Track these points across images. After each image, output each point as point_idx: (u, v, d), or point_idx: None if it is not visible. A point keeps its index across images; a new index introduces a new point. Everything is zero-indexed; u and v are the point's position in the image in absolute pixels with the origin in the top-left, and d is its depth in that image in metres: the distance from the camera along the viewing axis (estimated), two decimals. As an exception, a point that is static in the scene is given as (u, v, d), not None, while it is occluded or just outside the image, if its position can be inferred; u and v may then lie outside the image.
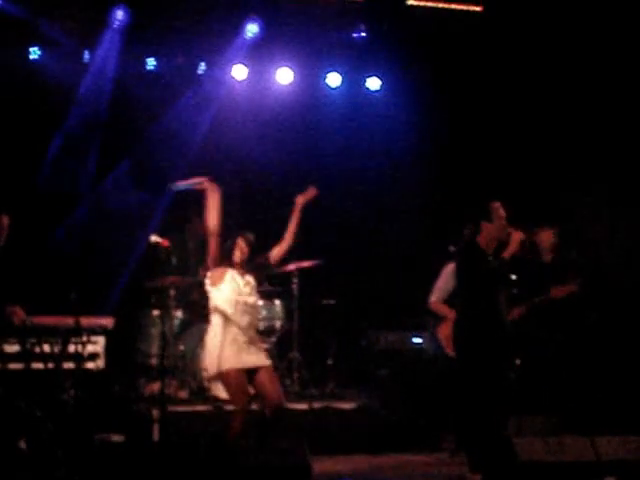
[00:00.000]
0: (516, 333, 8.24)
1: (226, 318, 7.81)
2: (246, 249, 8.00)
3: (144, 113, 11.43)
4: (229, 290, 7.84)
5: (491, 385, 7.67)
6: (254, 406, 9.67)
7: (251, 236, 8.03)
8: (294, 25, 11.55)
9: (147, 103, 11.38)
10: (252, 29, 11.58)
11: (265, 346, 8.24)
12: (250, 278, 7.98)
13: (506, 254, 7.89)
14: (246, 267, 7.98)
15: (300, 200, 8.18)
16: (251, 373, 7.71)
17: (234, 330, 7.76)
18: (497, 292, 7.90)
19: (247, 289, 7.91)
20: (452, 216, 10.92)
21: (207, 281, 7.89)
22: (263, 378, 7.74)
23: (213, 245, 7.82)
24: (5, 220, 8.47)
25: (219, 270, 7.87)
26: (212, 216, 7.80)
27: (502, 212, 7.98)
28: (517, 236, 7.94)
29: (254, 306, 7.99)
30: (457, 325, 8.09)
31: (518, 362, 8.68)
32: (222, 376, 7.68)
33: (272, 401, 7.67)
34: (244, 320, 7.81)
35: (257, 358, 7.76)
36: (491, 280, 7.87)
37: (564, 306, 9.24)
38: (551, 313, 9.24)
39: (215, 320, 7.84)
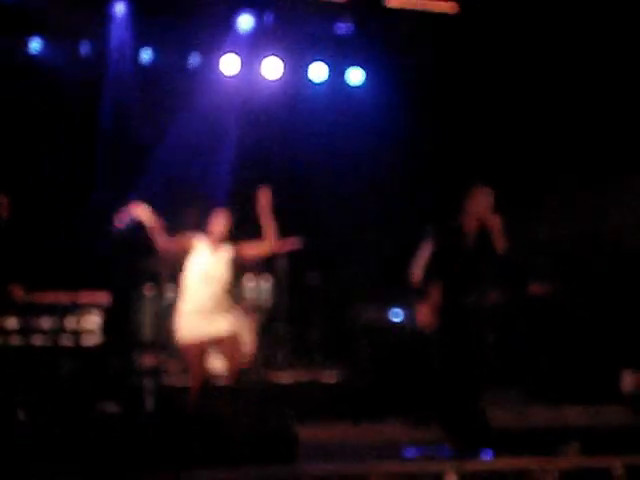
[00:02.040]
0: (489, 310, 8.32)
1: (189, 287, 7.82)
2: (224, 223, 7.97)
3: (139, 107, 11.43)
4: (194, 260, 7.85)
5: (458, 357, 7.76)
6: (243, 379, 9.85)
7: (229, 213, 7.99)
8: (283, 18, 11.56)
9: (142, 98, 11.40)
10: (246, 22, 11.57)
11: (231, 317, 8.08)
12: (224, 253, 7.95)
13: (500, 250, 7.88)
14: (226, 243, 7.96)
15: (261, 205, 8.09)
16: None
17: (195, 300, 7.79)
18: (467, 271, 7.94)
19: (214, 260, 7.88)
20: (433, 199, 11.07)
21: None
22: (224, 348, 7.86)
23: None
24: (4, 200, 8.48)
25: (189, 240, 7.88)
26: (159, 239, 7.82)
27: (484, 195, 7.97)
28: (496, 220, 7.95)
29: (220, 279, 7.93)
30: (437, 300, 8.14)
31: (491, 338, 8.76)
32: (180, 348, 7.77)
33: (231, 370, 7.83)
34: (206, 291, 7.80)
35: (218, 329, 7.78)
36: (462, 259, 7.92)
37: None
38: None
39: (184, 290, 7.89)
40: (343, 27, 11.73)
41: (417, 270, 9.52)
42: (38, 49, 11.01)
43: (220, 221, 7.95)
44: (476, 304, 7.92)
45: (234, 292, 8.21)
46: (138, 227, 7.99)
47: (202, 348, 7.81)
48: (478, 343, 7.86)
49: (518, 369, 8.83)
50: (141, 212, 7.86)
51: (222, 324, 7.84)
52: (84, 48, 11.20)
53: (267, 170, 11.82)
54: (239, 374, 7.80)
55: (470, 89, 11.78)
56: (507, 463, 6.76)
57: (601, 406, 7.37)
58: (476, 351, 7.81)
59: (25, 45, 11.02)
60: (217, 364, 10.21)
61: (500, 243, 7.84)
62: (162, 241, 7.84)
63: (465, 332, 7.83)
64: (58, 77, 11.03)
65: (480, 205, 7.90)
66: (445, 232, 8.10)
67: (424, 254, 9.43)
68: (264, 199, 8.08)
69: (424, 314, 8.58)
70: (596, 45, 10.77)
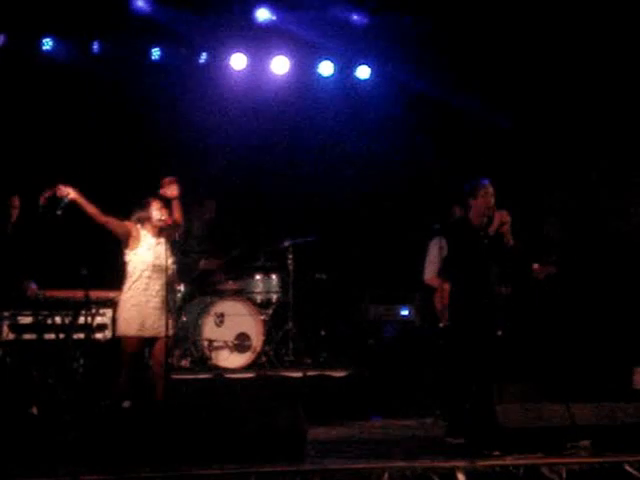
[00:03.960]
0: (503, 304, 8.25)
1: (138, 280, 7.70)
2: (162, 210, 7.84)
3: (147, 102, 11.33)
4: (145, 252, 7.74)
5: (478, 353, 7.67)
6: (252, 374, 9.77)
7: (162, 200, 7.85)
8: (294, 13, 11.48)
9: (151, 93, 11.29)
10: (263, 14, 11.44)
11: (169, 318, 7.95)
12: (162, 239, 7.83)
13: (490, 230, 7.85)
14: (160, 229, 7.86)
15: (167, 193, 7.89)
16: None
17: (145, 294, 7.68)
18: (487, 265, 7.89)
19: (160, 250, 7.78)
20: (438, 196, 10.96)
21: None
22: (155, 349, 7.75)
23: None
24: (16, 201, 8.49)
25: (133, 231, 7.74)
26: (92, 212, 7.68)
27: (487, 190, 7.92)
28: (499, 215, 7.89)
29: (165, 269, 7.81)
30: (452, 296, 8.07)
31: (500, 333, 8.63)
32: (121, 339, 7.68)
33: (155, 371, 7.74)
34: (157, 284, 7.72)
35: (157, 330, 7.68)
36: (482, 254, 7.85)
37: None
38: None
39: (128, 282, 7.72)
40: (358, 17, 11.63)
41: (429, 267, 9.45)
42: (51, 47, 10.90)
43: (158, 210, 7.82)
44: (492, 299, 7.86)
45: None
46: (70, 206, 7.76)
47: (142, 343, 7.75)
48: (492, 338, 7.79)
49: (528, 366, 8.70)
50: (70, 191, 7.68)
51: (162, 323, 7.69)
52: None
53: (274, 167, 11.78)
54: (160, 376, 7.69)
55: (480, 80, 11.64)
56: (517, 461, 6.63)
57: (612, 403, 7.21)
58: (489, 347, 7.73)
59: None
60: (229, 360, 10.15)
61: (509, 237, 7.79)
62: (100, 217, 7.73)
63: (482, 327, 7.75)
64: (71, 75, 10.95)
65: (485, 203, 7.86)
66: (460, 229, 8.04)
67: (434, 251, 9.35)
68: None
69: (442, 306, 8.46)
70: (622, 38, 10.64)
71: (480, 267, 7.84)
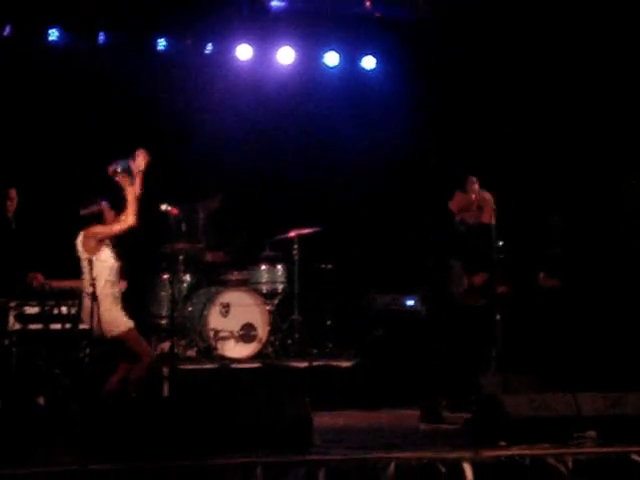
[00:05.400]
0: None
1: (110, 285, 7.75)
2: (109, 214, 7.89)
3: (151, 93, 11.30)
4: (108, 257, 7.78)
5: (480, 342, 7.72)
6: (258, 364, 9.76)
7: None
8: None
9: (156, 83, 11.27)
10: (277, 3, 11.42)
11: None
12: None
13: (485, 219, 7.86)
14: None
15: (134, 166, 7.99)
16: None
17: (116, 294, 7.77)
18: (464, 254, 7.90)
19: (115, 253, 7.88)
20: (442, 185, 10.92)
21: (84, 254, 7.74)
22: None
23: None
24: (13, 193, 8.53)
25: (92, 239, 7.74)
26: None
27: (476, 187, 7.97)
28: (488, 200, 7.93)
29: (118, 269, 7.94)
30: (429, 285, 8.11)
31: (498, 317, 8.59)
32: (128, 333, 7.71)
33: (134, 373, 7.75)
34: (117, 284, 7.82)
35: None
36: (457, 243, 7.87)
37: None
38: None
39: (104, 290, 7.71)
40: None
41: (432, 255, 9.45)
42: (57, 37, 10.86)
43: (107, 214, 7.89)
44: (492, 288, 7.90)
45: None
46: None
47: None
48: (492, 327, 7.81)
49: (534, 355, 8.67)
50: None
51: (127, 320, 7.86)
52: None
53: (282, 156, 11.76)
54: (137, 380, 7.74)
55: (483, 72, 11.61)
56: (523, 451, 6.61)
57: (619, 393, 7.18)
58: (492, 336, 7.75)
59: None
60: (235, 350, 10.14)
61: (489, 214, 7.80)
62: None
63: (481, 314, 7.78)
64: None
65: (469, 199, 7.91)
66: (439, 218, 8.08)
67: (435, 239, 9.35)
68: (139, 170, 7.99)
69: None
70: (619, 35, 10.59)
71: (455, 257, 7.85)
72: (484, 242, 8.10)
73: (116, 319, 7.72)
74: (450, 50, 11.71)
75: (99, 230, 7.75)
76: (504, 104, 11.59)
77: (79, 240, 7.79)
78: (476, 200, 8.16)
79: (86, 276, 7.70)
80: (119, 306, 7.81)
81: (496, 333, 7.97)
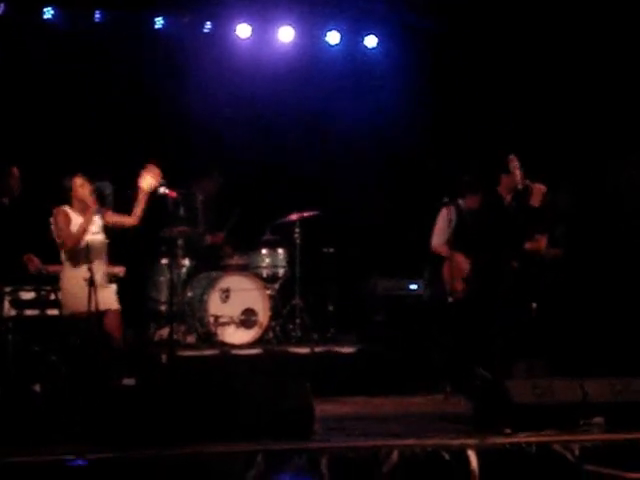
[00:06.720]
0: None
1: (77, 258, 7.78)
2: (86, 189, 7.93)
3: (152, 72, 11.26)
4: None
5: (498, 326, 7.73)
6: (259, 350, 9.75)
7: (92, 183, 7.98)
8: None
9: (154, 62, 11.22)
10: None
11: (113, 287, 8.25)
12: (96, 217, 7.94)
13: (533, 202, 7.99)
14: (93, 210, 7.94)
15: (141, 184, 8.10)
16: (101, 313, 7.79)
17: (84, 270, 7.70)
18: (515, 238, 7.98)
19: (94, 228, 7.90)
20: (446, 168, 10.90)
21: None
22: (108, 321, 7.91)
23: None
24: (15, 171, 8.45)
25: (61, 212, 7.88)
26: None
27: (517, 164, 8.08)
28: (538, 188, 8.07)
29: (101, 245, 7.98)
30: (474, 268, 8.16)
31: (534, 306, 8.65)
32: (74, 316, 7.76)
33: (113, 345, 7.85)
34: (94, 260, 7.80)
35: (105, 301, 7.81)
36: (511, 227, 7.94)
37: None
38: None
39: (67, 262, 7.85)
40: None
41: (437, 235, 9.46)
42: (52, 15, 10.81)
43: (83, 189, 7.90)
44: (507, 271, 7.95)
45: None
46: None
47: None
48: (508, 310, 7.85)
49: (540, 342, 8.67)
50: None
51: (110, 296, 7.98)
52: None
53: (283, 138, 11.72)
54: (119, 350, 7.80)
55: (490, 54, 11.56)
56: (528, 438, 6.60)
57: (626, 379, 7.18)
58: (504, 319, 7.77)
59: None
60: (235, 336, 10.13)
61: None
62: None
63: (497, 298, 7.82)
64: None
65: (515, 177, 8.00)
66: (491, 204, 8.15)
67: (442, 221, 9.36)
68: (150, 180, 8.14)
69: (450, 275, 8.45)
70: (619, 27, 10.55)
71: (507, 242, 7.96)
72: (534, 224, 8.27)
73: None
74: (454, 33, 11.66)
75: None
76: (513, 85, 11.54)
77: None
78: (521, 177, 8.25)
79: None
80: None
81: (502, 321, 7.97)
